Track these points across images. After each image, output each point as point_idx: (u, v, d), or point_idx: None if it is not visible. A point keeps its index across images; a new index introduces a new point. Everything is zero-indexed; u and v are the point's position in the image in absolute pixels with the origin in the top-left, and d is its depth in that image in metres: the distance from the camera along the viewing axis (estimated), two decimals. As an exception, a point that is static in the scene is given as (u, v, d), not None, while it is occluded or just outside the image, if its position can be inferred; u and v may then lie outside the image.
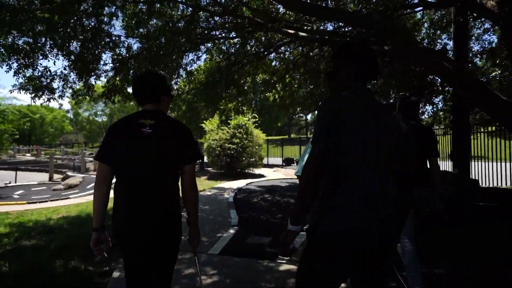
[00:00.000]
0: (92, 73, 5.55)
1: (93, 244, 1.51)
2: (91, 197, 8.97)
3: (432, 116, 8.81)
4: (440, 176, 2.56)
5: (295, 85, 7.74)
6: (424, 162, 2.57)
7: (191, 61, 8.34)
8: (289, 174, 14.61)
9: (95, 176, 1.59)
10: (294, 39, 5.96)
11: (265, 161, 20.00)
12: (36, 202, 8.50)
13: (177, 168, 1.55)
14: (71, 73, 5.61)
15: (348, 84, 1.38)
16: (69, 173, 14.73)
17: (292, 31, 5.01)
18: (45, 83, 5.33)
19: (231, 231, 4.61)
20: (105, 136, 1.55)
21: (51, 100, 5.62)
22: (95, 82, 5.98)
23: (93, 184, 1.58)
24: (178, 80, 8.82)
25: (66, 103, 54.41)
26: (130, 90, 6.91)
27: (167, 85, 1.71)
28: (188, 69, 8.34)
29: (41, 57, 5.06)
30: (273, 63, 8.63)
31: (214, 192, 8.70)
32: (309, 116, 63.83)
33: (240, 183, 10.24)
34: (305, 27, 5.36)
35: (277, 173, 15.36)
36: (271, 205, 6.76)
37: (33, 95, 5.49)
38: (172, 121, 1.59)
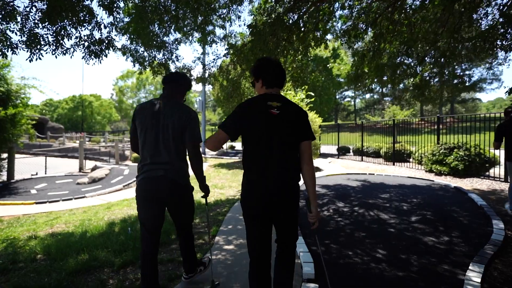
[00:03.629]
0: (70, 14, 3.45)
1: None
2: (108, 197, 7.41)
3: None
4: None
5: (390, 36, 4.99)
6: None
7: (226, 13, 6.01)
8: (349, 167, 11.82)
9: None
10: None
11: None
12: (46, 202, 7.01)
13: (297, 145, 1.82)
14: (31, 11, 3.55)
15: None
16: (98, 164, 13.52)
17: None
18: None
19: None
20: (235, 110, 1.81)
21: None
22: (78, 30, 3.88)
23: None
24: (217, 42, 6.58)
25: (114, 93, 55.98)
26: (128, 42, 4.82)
27: None
28: (223, 25, 6.04)
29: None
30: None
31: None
32: (358, 100, 58.69)
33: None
34: None
35: (334, 165, 12.66)
36: (356, 225, 4.23)
37: None
38: (293, 104, 1.84)
